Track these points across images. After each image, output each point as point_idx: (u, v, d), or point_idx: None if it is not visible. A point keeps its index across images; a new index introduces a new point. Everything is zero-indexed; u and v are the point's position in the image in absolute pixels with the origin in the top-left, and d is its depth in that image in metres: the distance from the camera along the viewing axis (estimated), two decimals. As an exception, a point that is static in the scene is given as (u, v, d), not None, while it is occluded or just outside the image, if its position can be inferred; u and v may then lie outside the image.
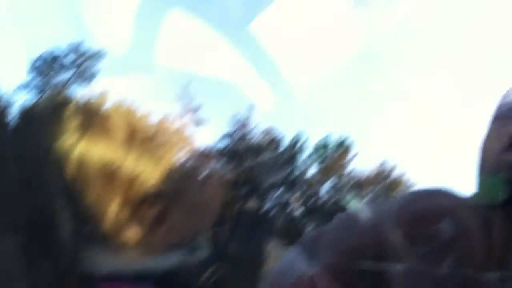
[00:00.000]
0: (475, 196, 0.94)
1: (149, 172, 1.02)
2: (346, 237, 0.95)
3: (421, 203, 0.93)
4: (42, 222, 1.00)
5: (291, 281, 0.95)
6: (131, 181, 1.01)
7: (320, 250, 0.96)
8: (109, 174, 1.00)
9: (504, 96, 1.00)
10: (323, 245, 0.97)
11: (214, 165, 1.35)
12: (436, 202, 0.92)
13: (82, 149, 1.00)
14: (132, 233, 1.01)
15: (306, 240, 1.04)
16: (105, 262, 1.01)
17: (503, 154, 0.91)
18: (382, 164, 11.72)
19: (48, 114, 1.16)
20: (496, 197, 0.88)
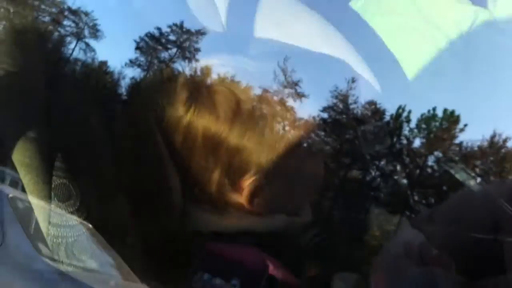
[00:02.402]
0: None
1: (252, 143, 1.05)
2: (463, 211, 0.94)
3: None
4: (153, 186, 1.06)
5: (399, 250, 0.95)
6: (235, 151, 1.04)
7: (435, 224, 0.95)
8: (214, 144, 1.04)
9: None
10: (438, 219, 0.95)
11: (315, 136, 1.35)
12: None
13: (189, 120, 1.04)
14: (235, 198, 1.06)
15: (420, 217, 1.03)
16: (210, 222, 1.06)
17: None
18: (493, 136, 10.99)
19: (156, 88, 1.22)
20: None
